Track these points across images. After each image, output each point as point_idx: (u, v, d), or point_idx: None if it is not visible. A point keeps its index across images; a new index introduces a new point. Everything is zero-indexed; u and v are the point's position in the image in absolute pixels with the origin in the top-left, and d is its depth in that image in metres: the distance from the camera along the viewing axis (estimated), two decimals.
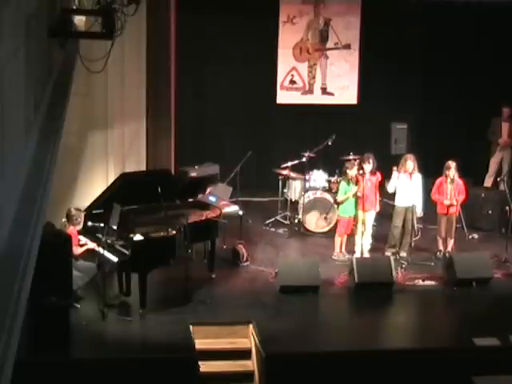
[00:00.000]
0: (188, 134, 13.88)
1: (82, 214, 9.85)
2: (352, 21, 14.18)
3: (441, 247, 11.70)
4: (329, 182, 12.81)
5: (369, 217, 11.46)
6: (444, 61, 14.24)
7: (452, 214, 11.51)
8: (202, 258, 10.93)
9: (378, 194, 11.50)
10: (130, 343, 9.15)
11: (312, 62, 14.39)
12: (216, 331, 9.43)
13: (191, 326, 9.28)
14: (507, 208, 12.05)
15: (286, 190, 12.91)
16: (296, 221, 12.58)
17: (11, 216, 3.78)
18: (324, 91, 14.48)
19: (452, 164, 11.35)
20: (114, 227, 9.55)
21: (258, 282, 10.76)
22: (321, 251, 11.74)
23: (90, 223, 9.83)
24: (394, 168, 11.49)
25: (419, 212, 11.53)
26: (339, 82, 14.43)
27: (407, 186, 11.37)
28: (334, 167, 12.80)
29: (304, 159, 12.70)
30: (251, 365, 9.28)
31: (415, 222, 11.45)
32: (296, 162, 12.72)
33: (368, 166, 11.33)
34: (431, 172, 11.87)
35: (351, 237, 11.63)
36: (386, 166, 11.95)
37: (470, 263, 10.90)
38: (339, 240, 11.61)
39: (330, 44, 14.33)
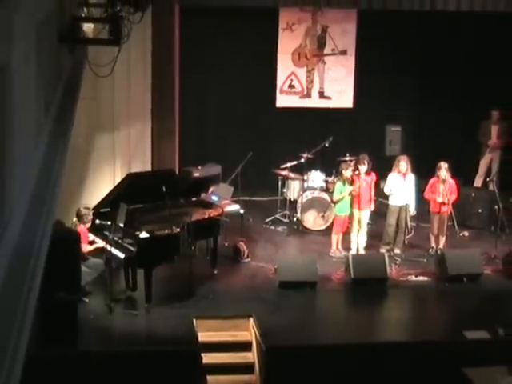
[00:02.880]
0: (191, 135, 13.87)
1: (91, 213, 9.85)
2: (348, 28, 14.15)
3: (433, 244, 11.69)
4: (326, 182, 12.80)
5: (364, 215, 11.45)
6: (436, 66, 14.23)
7: (444, 212, 11.50)
8: (204, 254, 10.91)
9: (372, 194, 11.50)
10: (136, 336, 9.15)
11: (310, 67, 14.37)
12: (218, 325, 9.42)
13: (194, 320, 9.28)
14: (496, 207, 12.04)
15: (285, 190, 12.90)
16: (295, 219, 12.56)
17: (22, 216, 3.76)
18: (321, 95, 14.46)
19: (444, 165, 11.34)
20: (121, 225, 9.55)
21: (258, 278, 10.75)
22: (318, 248, 11.72)
23: (97, 221, 9.82)
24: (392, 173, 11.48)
25: (412, 211, 11.51)
26: (336, 86, 14.40)
27: (401, 185, 11.36)
28: (331, 168, 12.79)
29: (302, 160, 12.68)
30: (252, 357, 9.28)
31: (408, 220, 11.43)
32: (295, 162, 12.70)
33: (363, 167, 11.32)
34: (424, 172, 11.86)
35: (347, 235, 11.61)
36: (381, 166, 11.94)
37: (461, 260, 10.89)
38: (336, 238, 11.60)
39: (327, 50, 14.31)
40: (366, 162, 11.33)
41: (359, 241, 11.48)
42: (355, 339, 9.29)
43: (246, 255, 11.32)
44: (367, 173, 11.37)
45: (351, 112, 14.44)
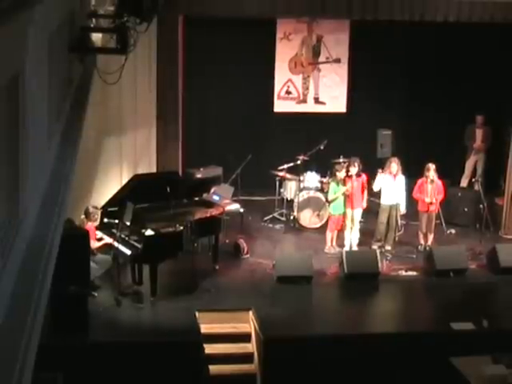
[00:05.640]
0: (194, 139, 13.86)
1: (99, 211, 9.87)
2: (341, 37, 14.16)
3: (422, 241, 11.71)
4: (321, 182, 12.80)
5: (356, 214, 11.48)
6: (425, 74, 14.24)
7: (432, 211, 11.52)
8: (206, 251, 10.91)
9: (365, 193, 11.52)
10: (142, 328, 9.17)
11: (306, 74, 14.38)
12: (219, 317, 9.44)
13: (197, 312, 9.29)
14: (481, 206, 12.07)
15: (282, 190, 12.90)
16: (291, 217, 12.57)
17: (35, 214, 3.79)
18: (316, 101, 14.47)
19: (431, 166, 11.37)
20: (128, 223, 9.56)
21: (257, 273, 10.76)
22: (314, 245, 11.74)
23: (106, 219, 9.84)
24: (379, 170, 11.53)
25: (402, 209, 11.54)
26: (330, 92, 14.41)
27: (391, 186, 11.39)
28: (326, 169, 12.80)
29: (299, 162, 12.70)
30: (251, 347, 9.30)
31: (399, 218, 11.46)
32: (291, 164, 12.72)
33: (354, 169, 11.36)
34: (413, 173, 11.87)
35: (341, 232, 11.63)
36: (373, 168, 11.95)
37: (447, 256, 10.92)
38: (330, 235, 11.62)
39: (321, 58, 14.32)
40: (356, 164, 11.37)
41: (352, 238, 11.50)
42: (348, 330, 9.32)
43: (245, 251, 11.33)
44: (358, 174, 11.41)
45: (344, 117, 14.44)
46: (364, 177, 11.51)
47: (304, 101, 14.45)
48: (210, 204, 10.87)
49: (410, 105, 14.43)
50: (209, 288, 10.07)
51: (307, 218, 12.48)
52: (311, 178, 12.79)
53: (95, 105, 9.99)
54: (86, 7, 7.63)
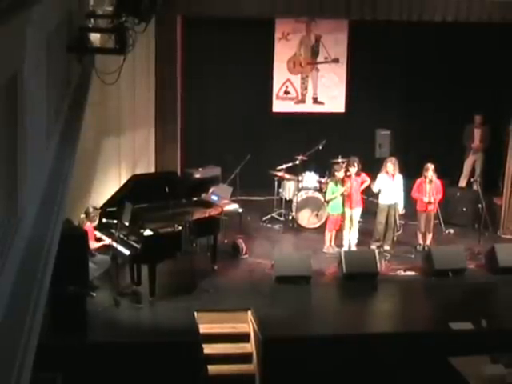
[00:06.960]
0: (193, 139, 13.86)
1: (97, 212, 9.88)
2: (340, 37, 14.16)
3: (420, 241, 11.72)
4: (319, 182, 12.80)
5: (355, 214, 11.48)
6: (423, 74, 14.24)
7: (430, 211, 11.53)
8: (205, 251, 10.91)
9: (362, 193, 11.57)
10: (141, 328, 9.17)
11: (304, 74, 14.38)
12: (218, 317, 9.44)
13: (196, 313, 9.30)
14: (479, 206, 12.07)
15: (281, 190, 12.90)
16: (290, 217, 12.57)
17: (34, 214, 3.79)
18: (315, 101, 14.47)
19: (430, 166, 11.38)
20: (126, 223, 9.56)
21: (256, 273, 10.76)
22: (312, 245, 11.73)
23: (104, 220, 9.84)
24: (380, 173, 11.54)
25: (401, 209, 11.54)
26: (329, 92, 14.41)
27: (390, 185, 11.40)
28: (325, 169, 12.80)
29: (297, 162, 12.70)
30: (250, 347, 9.30)
31: (397, 218, 11.46)
32: (290, 164, 12.72)
33: (353, 169, 11.38)
34: (412, 173, 11.88)
35: (339, 232, 11.64)
36: (372, 168, 11.96)
37: (446, 255, 10.93)
38: (329, 235, 11.62)
39: (320, 58, 14.32)
40: (355, 164, 11.39)
41: (351, 238, 11.51)
42: (347, 330, 9.31)
43: (244, 252, 11.33)
44: (357, 174, 11.43)
45: (343, 116, 14.44)
46: (363, 176, 11.52)
47: (303, 101, 14.45)
48: (209, 204, 10.87)
49: (409, 105, 14.43)
50: (208, 288, 10.07)
51: (306, 218, 12.48)
52: (310, 178, 12.79)
53: (94, 105, 9.99)
54: (85, 7, 7.64)
